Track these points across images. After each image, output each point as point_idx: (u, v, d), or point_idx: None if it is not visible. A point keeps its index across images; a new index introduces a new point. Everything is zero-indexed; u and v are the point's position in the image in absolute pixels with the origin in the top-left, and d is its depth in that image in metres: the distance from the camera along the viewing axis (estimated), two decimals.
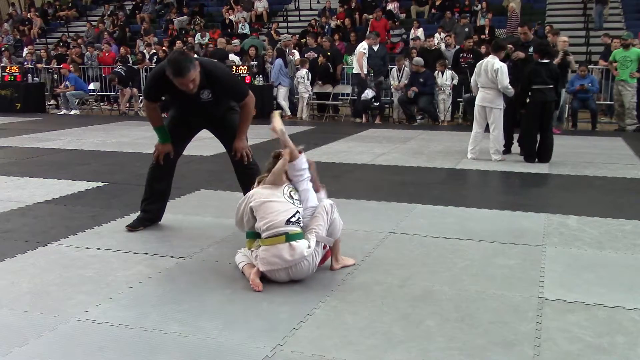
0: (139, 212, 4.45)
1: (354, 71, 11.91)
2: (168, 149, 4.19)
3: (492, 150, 7.34)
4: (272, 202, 3.31)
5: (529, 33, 8.01)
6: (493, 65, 7.10)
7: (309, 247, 3.23)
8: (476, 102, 7.40)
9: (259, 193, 3.39)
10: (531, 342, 2.63)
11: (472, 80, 7.53)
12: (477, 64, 7.44)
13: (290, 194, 3.38)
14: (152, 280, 3.38)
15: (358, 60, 11.79)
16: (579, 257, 3.77)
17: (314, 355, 2.52)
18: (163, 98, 4.34)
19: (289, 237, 3.21)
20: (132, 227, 4.33)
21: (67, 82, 13.89)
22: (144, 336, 2.69)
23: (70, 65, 14.38)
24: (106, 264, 3.63)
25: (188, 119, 4.25)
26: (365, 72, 11.53)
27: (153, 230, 4.32)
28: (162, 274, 3.47)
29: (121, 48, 15.62)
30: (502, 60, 7.36)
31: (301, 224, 3.32)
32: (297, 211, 3.31)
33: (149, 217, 4.41)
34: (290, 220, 3.25)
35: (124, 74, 13.38)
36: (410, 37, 14.33)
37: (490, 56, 7.35)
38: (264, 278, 3.27)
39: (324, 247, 3.44)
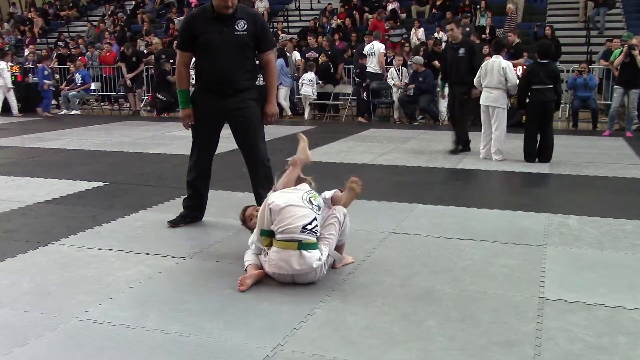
0: (140, 211, 4.47)
1: (373, 71, 12.02)
2: (188, 113, 4.21)
3: (493, 149, 7.36)
4: (292, 206, 3.24)
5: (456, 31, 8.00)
6: (500, 65, 7.18)
7: (320, 259, 3.17)
8: (481, 102, 7.46)
9: (278, 197, 3.31)
10: (532, 342, 2.63)
11: (475, 80, 7.61)
12: (482, 65, 7.48)
13: (310, 199, 3.30)
14: (152, 280, 3.38)
15: (381, 61, 11.96)
16: (580, 257, 3.77)
17: (315, 355, 2.52)
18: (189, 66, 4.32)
19: (301, 246, 3.15)
20: (174, 224, 4.38)
21: (78, 77, 13.94)
22: (144, 336, 2.69)
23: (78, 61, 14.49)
24: (107, 263, 3.63)
25: (212, 98, 4.14)
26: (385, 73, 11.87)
27: (153, 230, 4.32)
28: (163, 274, 3.47)
29: (122, 48, 15.61)
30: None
31: (317, 234, 3.24)
32: (315, 218, 3.23)
33: (191, 214, 4.44)
34: (307, 227, 3.17)
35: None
36: (411, 37, 14.36)
37: (494, 56, 7.40)
38: (266, 277, 3.28)
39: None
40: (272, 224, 3.24)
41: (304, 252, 3.14)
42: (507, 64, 7.23)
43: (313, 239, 3.20)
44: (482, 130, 7.54)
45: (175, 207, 4.76)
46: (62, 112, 13.85)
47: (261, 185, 4.15)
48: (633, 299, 3.08)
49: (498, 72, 7.16)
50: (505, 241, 4.05)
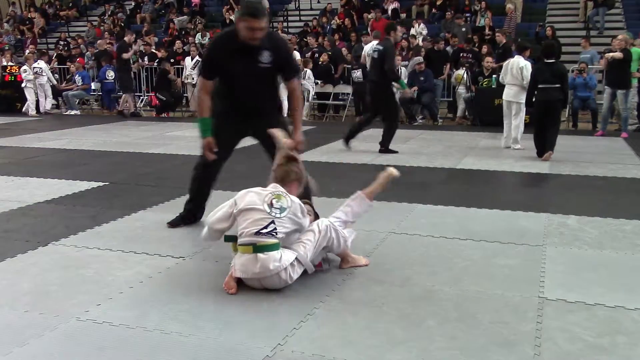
0: (140, 211, 4.48)
1: None
2: (210, 142, 4.01)
3: (512, 139, 8.15)
4: (250, 210, 3.19)
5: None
6: (518, 64, 7.94)
7: (279, 259, 3.10)
8: (503, 97, 8.32)
9: (242, 197, 3.27)
10: (531, 342, 2.63)
11: (500, 78, 8.66)
12: (504, 64, 8.42)
13: (272, 201, 3.21)
14: (152, 280, 3.38)
15: None
16: (580, 257, 3.77)
17: (314, 355, 2.52)
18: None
19: (257, 249, 3.11)
20: (173, 225, 4.36)
21: (78, 78, 13.97)
22: (144, 336, 2.69)
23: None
24: (106, 264, 3.63)
25: (234, 115, 4.06)
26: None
27: (153, 230, 4.32)
28: (162, 274, 3.47)
29: (126, 37, 15.53)
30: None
31: (277, 235, 3.15)
32: (273, 221, 3.16)
33: (191, 216, 4.41)
34: (261, 231, 3.13)
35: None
36: (411, 35, 14.39)
37: (516, 56, 8.21)
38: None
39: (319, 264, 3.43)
40: (229, 219, 3.26)
41: (260, 254, 3.09)
42: (525, 64, 7.91)
43: (270, 241, 3.13)
44: (504, 123, 8.36)
45: (175, 207, 4.76)
46: (70, 113, 13.80)
47: None
48: (633, 299, 3.08)
49: (517, 70, 7.91)
50: (505, 241, 4.05)
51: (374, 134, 9.93)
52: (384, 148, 7.96)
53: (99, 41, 15.88)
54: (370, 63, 8.23)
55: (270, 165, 4.01)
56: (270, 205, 3.20)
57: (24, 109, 13.53)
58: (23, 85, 13.49)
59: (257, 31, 3.73)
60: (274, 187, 3.31)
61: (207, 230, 3.37)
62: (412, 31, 14.75)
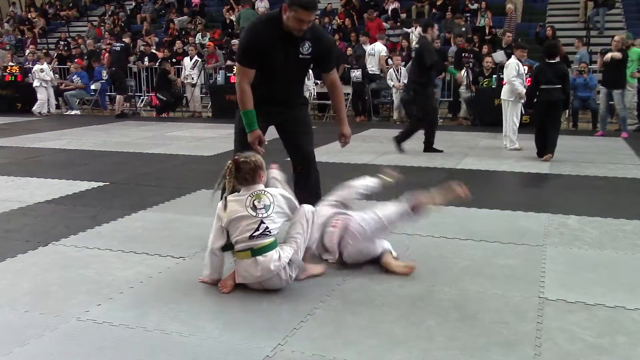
0: (140, 211, 4.42)
1: (371, 72, 12.09)
2: (259, 134, 3.77)
3: (506, 139, 8.19)
4: (238, 217, 3.16)
5: None
6: (507, 64, 8.27)
7: (278, 259, 3.11)
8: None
9: (221, 207, 3.23)
10: (532, 342, 2.63)
11: None
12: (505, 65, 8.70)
13: (253, 203, 3.15)
14: (152, 280, 3.38)
15: (382, 63, 12.02)
16: (580, 257, 3.77)
17: (315, 355, 2.52)
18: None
19: (254, 252, 3.11)
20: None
21: (76, 78, 13.98)
22: (144, 336, 2.69)
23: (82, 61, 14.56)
24: (107, 264, 3.63)
25: (263, 105, 3.85)
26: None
27: (153, 230, 4.32)
28: (163, 274, 3.47)
29: (126, 39, 15.53)
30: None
31: (271, 233, 3.15)
32: (262, 221, 3.13)
33: None
34: (254, 235, 3.12)
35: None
36: (411, 36, 14.39)
37: (512, 56, 8.35)
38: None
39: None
40: (223, 233, 3.21)
41: (259, 257, 3.09)
42: (509, 63, 8.17)
43: (266, 241, 3.13)
44: (503, 122, 8.33)
45: (174, 207, 4.76)
46: (72, 113, 13.79)
47: (310, 190, 3.99)
48: (633, 299, 3.08)
49: (504, 69, 8.28)
50: (505, 241, 4.05)
51: (374, 134, 9.94)
52: (398, 144, 7.93)
53: (88, 41, 15.91)
54: (410, 64, 8.64)
55: (285, 160, 4.04)
56: (254, 207, 3.16)
57: (34, 109, 13.37)
58: (36, 84, 13.35)
59: (305, 24, 3.63)
60: (249, 189, 3.22)
61: (210, 253, 3.27)
62: (410, 32, 14.75)
